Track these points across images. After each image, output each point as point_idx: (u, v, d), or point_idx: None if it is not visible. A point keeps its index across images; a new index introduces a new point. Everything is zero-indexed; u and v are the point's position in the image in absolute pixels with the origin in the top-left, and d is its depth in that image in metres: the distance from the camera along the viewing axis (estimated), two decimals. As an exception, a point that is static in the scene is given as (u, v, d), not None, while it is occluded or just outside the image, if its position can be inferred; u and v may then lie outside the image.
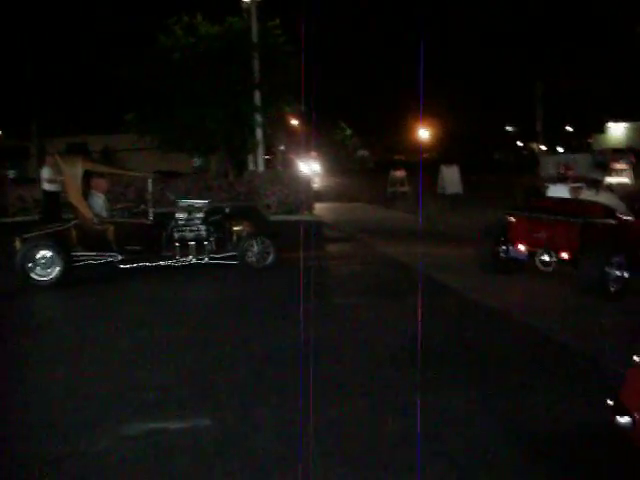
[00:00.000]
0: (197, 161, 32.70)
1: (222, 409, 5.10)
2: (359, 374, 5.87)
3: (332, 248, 13.86)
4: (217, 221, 11.02)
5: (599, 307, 8.27)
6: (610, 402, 3.38)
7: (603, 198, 9.65)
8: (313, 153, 42.96)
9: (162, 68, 23.12)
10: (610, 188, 10.59)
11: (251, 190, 23.38)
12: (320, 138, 47.97)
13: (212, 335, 7.13)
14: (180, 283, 10.03)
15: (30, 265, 9.55)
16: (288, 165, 34.51)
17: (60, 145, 30.39)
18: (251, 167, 25.40)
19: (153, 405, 5.19)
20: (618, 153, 43.92)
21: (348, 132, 70.81)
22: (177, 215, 10.74)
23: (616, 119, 52.67)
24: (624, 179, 31.22)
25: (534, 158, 48.69)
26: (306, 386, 5.25)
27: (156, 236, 10.55)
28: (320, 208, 22.09)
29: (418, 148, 47.75)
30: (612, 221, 9.15)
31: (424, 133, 45.26)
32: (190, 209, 10.83)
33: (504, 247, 9.96)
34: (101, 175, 10.92)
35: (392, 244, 13.66)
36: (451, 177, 28.97)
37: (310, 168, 25.56)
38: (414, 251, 11.92)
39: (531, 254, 9.54)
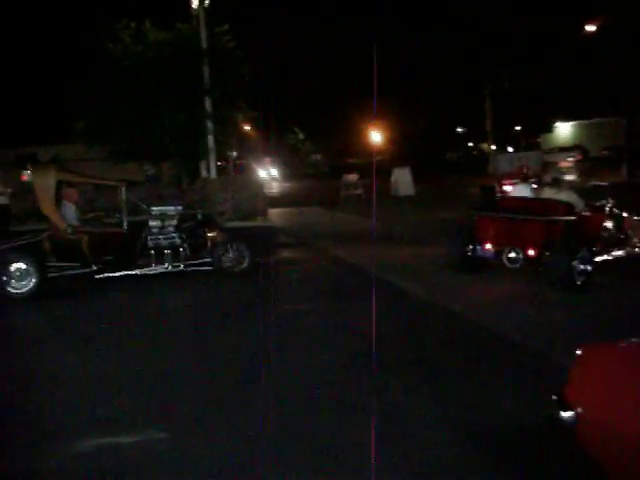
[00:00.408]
0: (150, 169, 32.12)
1: (178, 421, 4.98)
2: (316, 377, 5.84)
3: (286, 254, 13.70)
4: (190, 228, 10.90)
5: (561, 302, 8.35)
6: (554, 397, 3.39)
7: (564, 196, 9.79)
8: (267, 158, 42.80)
9: (111, 76, 22.59)
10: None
11: (204, 197, 22.98)
12: (274, 143, 47.79)
13: (173, 347, 7.05)
14: (152, 293, 9.88)
15: (5, 278, 9.35)
16: (242, 171, 34.17)
17: (7, 156, 29.48)
18: (204, 174, 25.01)
19: (107, 421, 5.01)
20: (565, 151, 45.18)
21: (301, 136, 70.76)
22: (150, 223, 10.55)
23: (563, 118, 53.92)
24: (570, 176, 32.05)
25: (484, 158, 49.36)
26: (263, 395, 5.23)
27: (131, 245, 10.38)
28: (274, 213, 21.96)
29: (371, 151, 47.87)
30: (573, 217, 9.31)
31: (376, 136, 45.39)
32: (163, 217, 10.63)
33: (471, 246, 9.97)
34: (71, 185, 10.68)
35: (346, 248, 13.66)
36: (403, 179, 29.08)
37: (267, 173, 25.29)
38: (368, 254, 11.87)
39: (498, 252, 9.57)
